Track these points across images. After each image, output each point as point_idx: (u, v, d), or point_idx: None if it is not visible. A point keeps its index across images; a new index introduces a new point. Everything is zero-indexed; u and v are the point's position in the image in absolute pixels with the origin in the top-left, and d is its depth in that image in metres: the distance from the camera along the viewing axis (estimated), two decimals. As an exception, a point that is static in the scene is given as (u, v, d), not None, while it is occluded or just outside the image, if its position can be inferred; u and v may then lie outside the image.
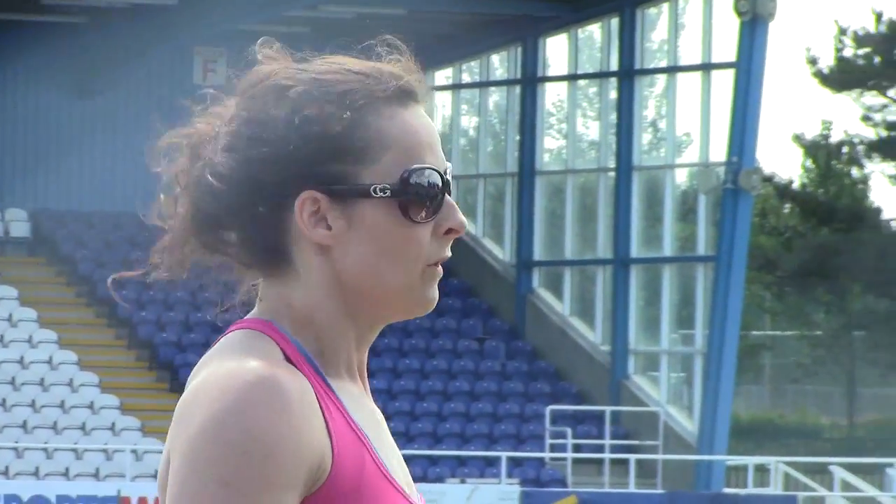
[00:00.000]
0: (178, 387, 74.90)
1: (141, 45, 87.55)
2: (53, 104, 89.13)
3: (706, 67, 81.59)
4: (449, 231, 3.33)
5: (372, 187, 3.34)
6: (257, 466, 3.18)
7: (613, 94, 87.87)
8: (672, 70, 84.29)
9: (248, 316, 3.51)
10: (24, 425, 68.96)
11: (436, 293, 3.43)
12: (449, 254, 3.39)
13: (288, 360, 3.29)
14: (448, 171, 3.40)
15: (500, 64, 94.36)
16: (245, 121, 3.42)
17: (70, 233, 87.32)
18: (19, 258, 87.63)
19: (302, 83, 3.42)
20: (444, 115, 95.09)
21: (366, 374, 3.60)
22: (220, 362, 3.30)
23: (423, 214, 3.32)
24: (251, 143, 3.40)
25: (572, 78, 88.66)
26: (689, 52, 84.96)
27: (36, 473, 65.59)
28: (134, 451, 72.14)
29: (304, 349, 3.38)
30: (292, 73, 3.45)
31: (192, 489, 3.16)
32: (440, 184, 3.30)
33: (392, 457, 3.51)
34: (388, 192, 3.32)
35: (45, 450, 66.95)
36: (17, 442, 66.62)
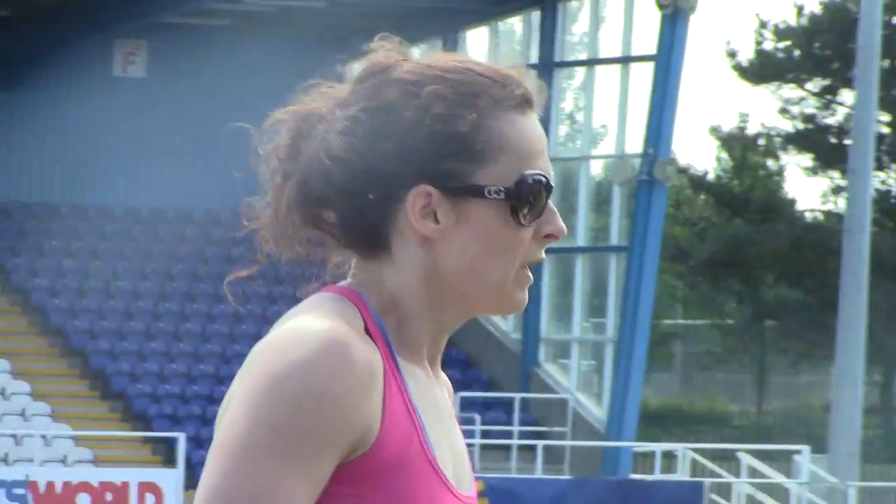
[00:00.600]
0: (88, 373, 76.97)
1: (63, 37, 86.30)
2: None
3: (626, 60, 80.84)
4: (548, 235, 3.56)
5: (486, 188, 3.55)
6: (306, 419, 3.41)
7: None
8: (591, 63, 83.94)
9: (342, 283, 3.79)
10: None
11: (526, 295, 3.66)
12: (543, 256, 3.64)
13: (367, 332, 3.50)
14: (552, 178, 3.62)
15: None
16: (368, 109, 3.63)
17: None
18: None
19: (431, 81, 3.61)
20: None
21: (438, 365, 3.84)
22: (304, 316, 3.54)
23: (529, 218, 3.54)
24: (374, 133, 3.61)
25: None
26: (610, 46, 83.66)
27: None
28: (43, 437, 70.24)
29: (384, 327, 3.58)
30: (419, 70, 3.66)
31: (243, 428, 3.41)
32: (547, 190, 3.52)
33: (447, 448, 3.72)
34: (502, 195, 3.54)
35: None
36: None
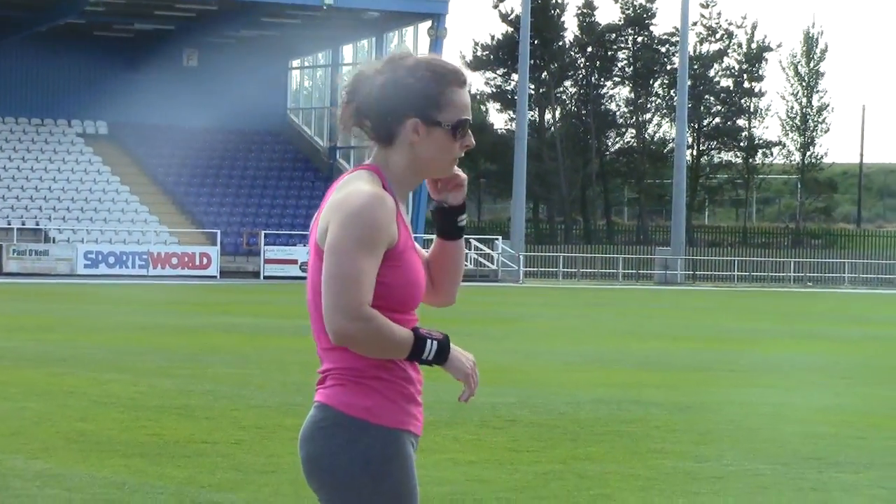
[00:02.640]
0: (178, 206, 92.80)
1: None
2: None
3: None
4: (466, 145, 6.15)
5: (443, 123, 6.05)
6: (370, 232, 5.87)
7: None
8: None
9: (366, 162, 6.28)
10: None
11: (454, 170, 6.28)
12: (462, 154, 6.19)
13: (384, 187, 6.03)
14: (471, 120, 6.23)
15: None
16: (393, 77, 6.08)
17: None
18: None
19: (422, 68, 6.12)
20: None
21: (404, 202, 6.41)
22: (356, 184, 6.04)
23: (459, 137, 6.09)
24: (395, 87, 6.05)
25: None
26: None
27: None
28: (155, 232, 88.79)
29: (390, 184, 6.10)
30: (416, 61, 6.22)
31: (341, 241, 5.86)
32: (467, 125, 6.04)
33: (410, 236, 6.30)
34: (449, 127, 6.05)
35: None
36: None
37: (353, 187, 5.82)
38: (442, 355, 5.77)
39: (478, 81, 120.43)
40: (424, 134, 5.91)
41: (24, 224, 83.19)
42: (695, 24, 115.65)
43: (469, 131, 5.96)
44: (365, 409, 5.76)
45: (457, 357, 5.85)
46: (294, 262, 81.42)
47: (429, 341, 5.73)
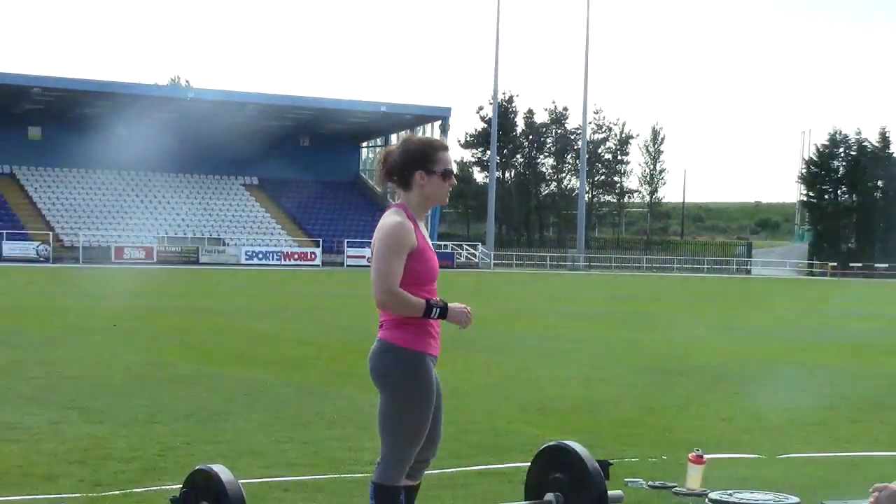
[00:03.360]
0: (296, 224, 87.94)
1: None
2: None
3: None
4: (451, 184, 5.97)
5: (437, 172, 5.88)
6: (395, 243, 5.72)
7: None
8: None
9: (396, 202, 6.01)
10: None
11: (447, 199, 6.05)
12: (450, 189, 6.01)
13: (408, 216, 5.82)
14: (454, 169, 6.06)
15: None
16: (404, 149, 5.93)
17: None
18: None
19: (419, 141, 5.99)
20: None
21: (425, 223, 6.13)
22: (390, 217, 5.85)
23: (446, 179, 5.89)
24: (406, 154, 5.91)
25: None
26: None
27: None
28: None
29: (412, 214, 5.88)
30: (417, 140, 6.06)
31: (380, 251, 5.73)
32: (452, 172, 5.89)
33: (429, 243, 5.97)
34: (440, 174, 5.88)
35: None
36: None
37: (387, 219, 5.74)
38: (443, 314, 5.71)
39: (467, 155, 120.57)
40: (427, 180, 5.83)
41: (210, 235, 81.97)
42: (590, 122, 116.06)
43: (453, 176, 5.89)
44: (403, 339, 5.72)
45: (455, 311, 5.75)
46: (363, 257, 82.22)
47: (434, 308, 5.67)
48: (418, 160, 5.84)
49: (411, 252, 5.74)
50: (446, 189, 5.91)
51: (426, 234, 5.90)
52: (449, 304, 5.76)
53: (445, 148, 5.91)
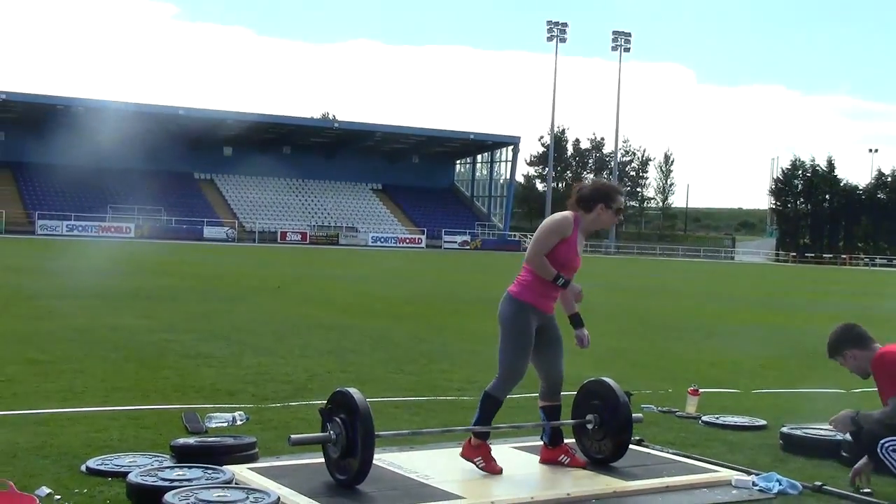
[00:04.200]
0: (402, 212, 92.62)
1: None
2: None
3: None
4: (620, 219, 5.90)
5: (613, 208, 5.66)
6: (557, 227, 5.58)
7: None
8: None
9: (572, 212, 5.75)
10: None
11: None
12: (619, 220, 6.01)
13: (576, 223, 5.67)
14: (624, 206, 5.63)
15: None
16: (595, 187, 5.72)
17: None
18: None
19: (608, 185, 5.73)
20: None
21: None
22: (562, 213, 5.68)
23: (617, 214, 5.68)
24: (595, 191, 5.68)
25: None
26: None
27: None
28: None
29: (580, 226, 5.68)
30: (595, 183, 5.76)
31: (543, 228, 5.61)
32: (623, 210, 5.63)
33: (581, 247, 5.80)
34: (614, 210, 5.68)
35: None
36: None
37: (559, 213, 5.70)
38: (565, 285, 5.66)
39: (531, 170, 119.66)
40: (604, 211, 5.73)
41: (347, 224, 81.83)
42: (620, 148, 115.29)
43: (622, 213, 5.81)
44: (517, 293, 5.66)
45: (573, 287, 5.73)
46: (455, 242, 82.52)
47: (561, 278, 5.60)
48: (603, 197, 5.71)
49: (563, 240, 5.60)
50: (615, 220, 5.79)
51: (580, 243, 5.78)
52: (572, 284, 5.68)
53: (623, 193, 5.77)
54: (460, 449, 5.90)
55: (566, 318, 5.97)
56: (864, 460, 5.61)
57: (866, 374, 5.66)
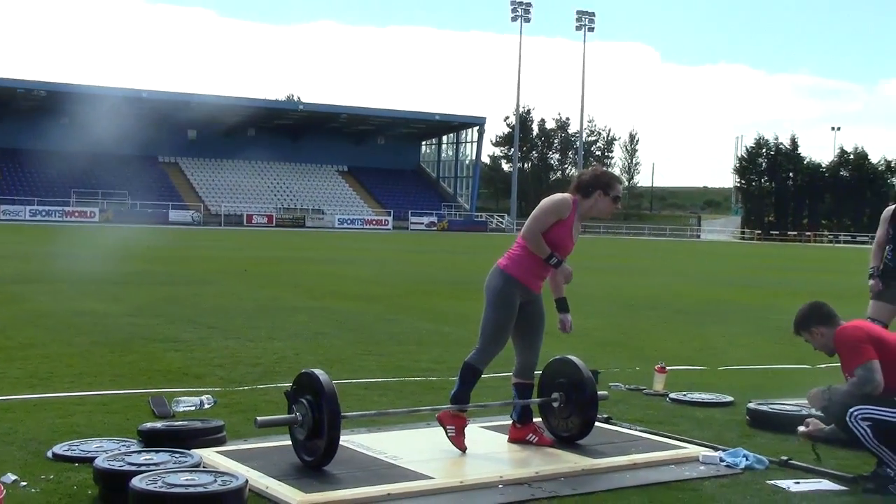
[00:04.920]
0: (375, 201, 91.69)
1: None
2: None
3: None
4: (618, 206, 5.70)
5: (611, 195, 5.71)
6: (554, 207, 5.62)
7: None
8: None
9: (571, 195, 5.71)
10: None
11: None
12: (616, 209, 5.84)
13: (574, 207, 5.67)
14: (621, 194, 5.74)
15: None
16: (589, 175, 5.75)
17: None
18: None
19: (608, 173, 5.77)
20: None
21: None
22: (558, 194, 5.70)
23: (616, 199, 5.70)
24: (590, 178, 5.73)
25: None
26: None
27: None
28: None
29: (577, 210, 5.68)
30: (595, 170, 5.80)
31: (540, 208, 5.63)
32: (620, 199, 5.69)
33: (578, 231, 5.81)
34: (612, 197, 5.71)
35: None
36: None
37: (557, 194, 5.74)
38: (557, 265, 5.69)
39: (497, 151, 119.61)
40: (602, 198, 5.76)
41: (313, 206, 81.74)
42: (585, 128, 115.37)
43: (619, 201, 5.82)
44: (506, 267, 5.70)
45: (564, 268, 5.72)
46: (422, 223, 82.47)
47: (554, 257, 5.64)
48: (602, 185, 5.74)
49: (559, 221, 5.63)
50: (613, 208, 5.78)
51: (577, 228, 5.77)
52: (564, 265, 5.68)
53: (621, 182, 5.90)
54: (436, 419, 5.93)
55: (553, 301, 6.01)
56: (814, 423, 5.69)
57: (832, 350, 5.73)
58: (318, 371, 5.32)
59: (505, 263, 5.72)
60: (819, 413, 5.88)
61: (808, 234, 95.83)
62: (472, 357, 5.78)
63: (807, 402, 5.98)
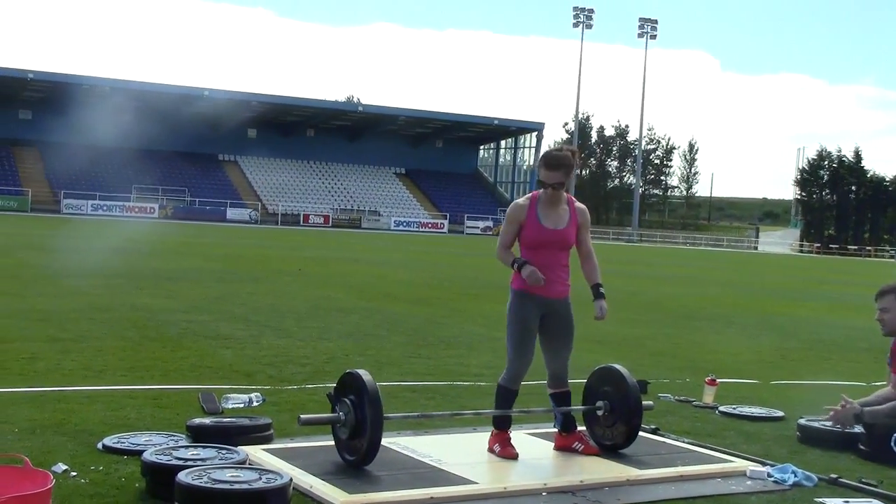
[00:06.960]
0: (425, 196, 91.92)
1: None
2: None
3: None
4: (554, 172, 5.45)
5: (541, 178, 5.50)
6: (507, 220, 5.62)
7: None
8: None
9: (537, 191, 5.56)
10: None
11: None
12: (551, 190, 5.46)
13: (533, 198, 5.56)
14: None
15: None
16: (548, 154, 5.51)
17: None
18: None
19: (563, 156, 5.47)
20: None
21: (566, 205, 5.63)
22: (516, 200, 5.61)
23: (542, 185, 5.51)
24: (562, 159, 5.47)
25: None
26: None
27: None
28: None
29: (539, 198, 5.56)
30: (560, 152, 5.56)
31: (504, 222, 5.65)
32: (546, 182, 5.41)
33: (551, 219, 5.59)
34: (543, 167, 5.50)
35: None
36: None
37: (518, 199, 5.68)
38: (519, 269, 5.53)
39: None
40: (541, 170, 5.57)
41: (370, 208, 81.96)
42: (645, 136, 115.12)
43: (551, 166, 5.49)
44: (512, 282, 5.65)
45: (525, 271, 5.50)
46: (478, 227, 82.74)
47: (515, 263, 5.53)
48: (540, 165, 5.62)
49: (521, 225, 5.56)
50: (548, 176, 5.50)
51: (549, 216, 5.56)
52: (525, 266, 5.46)
53: (551, 165, 5.47)
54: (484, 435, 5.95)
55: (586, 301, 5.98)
56: (850, 403, 5.62)
57: (891, 332, 5.58)
58: (361, 371, 5.34)
59: (511, 278, 5.70)
60: (839, 429, 5.79)
61: (868, 248, 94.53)
62: (502, 377, 5.80)
63: (826, 419, 5.89)
